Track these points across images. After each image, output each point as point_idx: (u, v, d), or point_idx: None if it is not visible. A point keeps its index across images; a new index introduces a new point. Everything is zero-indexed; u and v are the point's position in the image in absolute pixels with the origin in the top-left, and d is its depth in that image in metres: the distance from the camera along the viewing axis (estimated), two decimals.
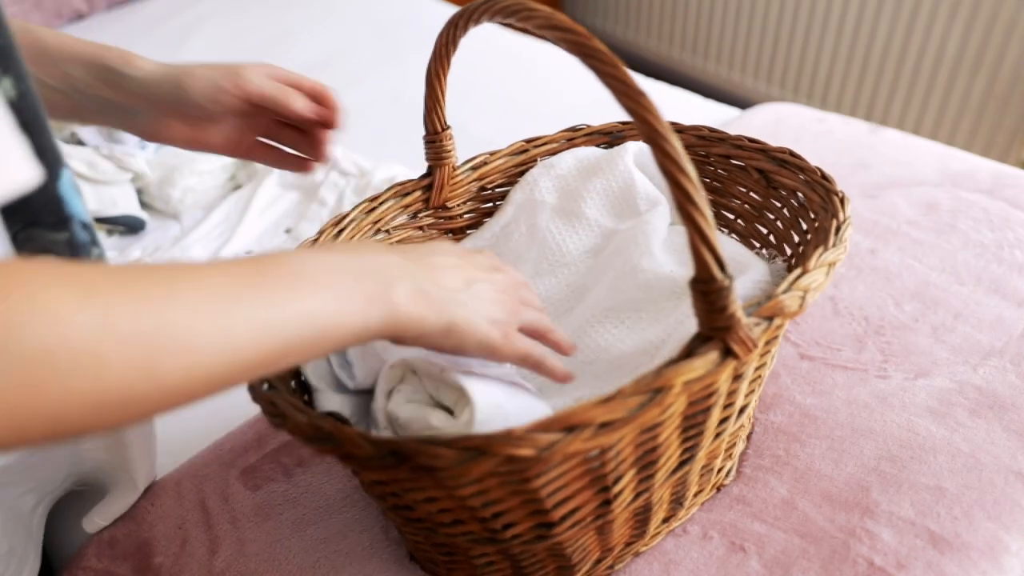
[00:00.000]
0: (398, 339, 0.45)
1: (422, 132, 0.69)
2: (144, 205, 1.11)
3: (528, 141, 0.77)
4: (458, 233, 0.77)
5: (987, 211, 0.94)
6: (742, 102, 2.12)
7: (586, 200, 0.74)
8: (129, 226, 1.06)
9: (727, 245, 0.67)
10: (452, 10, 1.53)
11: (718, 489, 0.66)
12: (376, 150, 1.21)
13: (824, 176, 0.62)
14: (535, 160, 0.77)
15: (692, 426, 0.52)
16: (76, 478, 0.71)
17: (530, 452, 0.40)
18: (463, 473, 0.41)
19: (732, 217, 0.73)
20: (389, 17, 1.65)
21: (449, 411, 0.51)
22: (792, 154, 0.66)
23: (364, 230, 0.68)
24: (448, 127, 0.69)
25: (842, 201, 0.59)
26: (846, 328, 0.81)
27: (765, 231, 0.70)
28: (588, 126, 0.78)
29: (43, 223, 0.51)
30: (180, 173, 1.09)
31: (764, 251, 0.69)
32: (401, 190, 0.71)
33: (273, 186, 1.13)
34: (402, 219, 0.72)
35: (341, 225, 0.67)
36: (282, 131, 0.70)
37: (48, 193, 0.49)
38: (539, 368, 0.52)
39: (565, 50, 0.44)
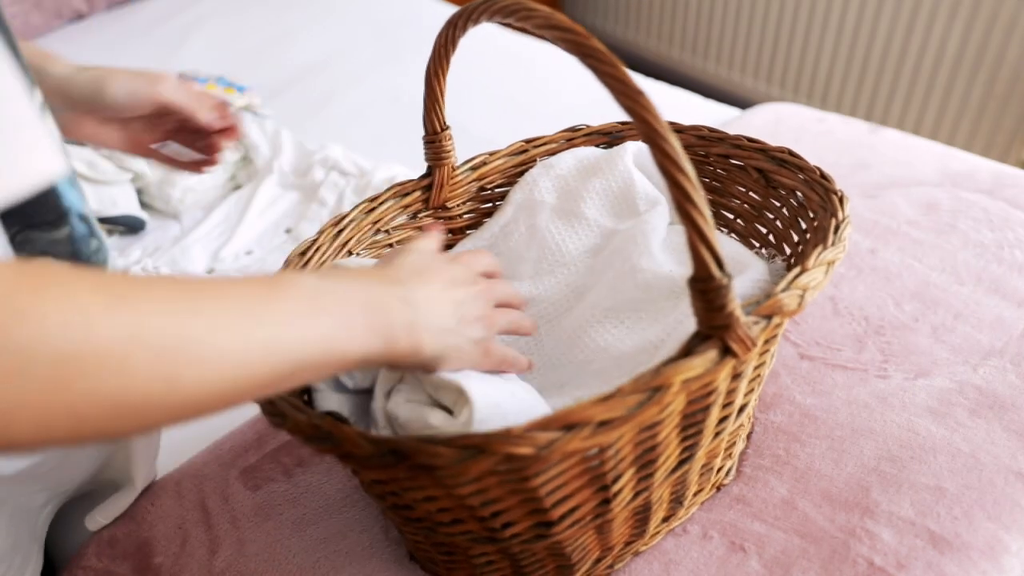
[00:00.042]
0: (394, 366, 0.49)
1: (422, 132, 0.69)
2: (144, 205, 1.11)
3: (527, 141, 0.77)
4: (458, 233, 0.77)
5: (987, 211, 0.94)
6: (742, 102, 2.12)
7: (585, 200, 0.74)
8: (129, 226, 1.06)
9: (726, 244, 0.67)
10: (452, 10, 1.52)
11: (718, 488, 0.66)
12: (376, 150, 1.21)
13: (823, 175, 0.62)
14: (534, 160, 0.77)
15: (691, 425, 0.52)
16: (87, 481, 0.71)
17: (529, 450, 0.40)
18: (462, 472, 0.41)
19: (732, 217, 0.73)
20: (389, 17, 1.65)
21: (448, 411, 0.51)
22: (791, 154, 0.66)
23: (364, 230, 0.68)
24: (447, 127, 0.69)
25: (841, 200, 0.59)
26: (846, 328, 0.81)
27: (764, 231, 0.70)
28: (587, 126, 0.78)
29: (42, 222, 0.52)
30: (180, 173, 1.09)
31: (764, 251, 0.69)
32: (401, 190, 0.71)
33: (273, 186, 1.13)
34: (402, 219, 0.72)
35: (341, 225, 0.67)
36: (180, 135, 0.78)
37: (45, 189, 0.50)
38: (512, 368, 0.57)
39: (564, 49, 0.44)
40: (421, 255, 0.53)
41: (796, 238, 0.65)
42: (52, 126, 0.36)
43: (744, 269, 0.62)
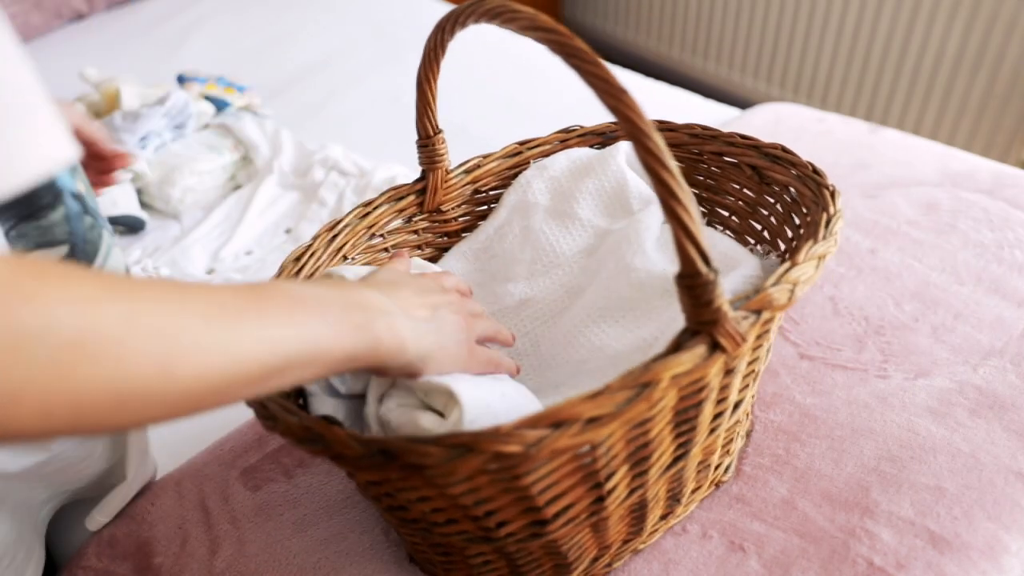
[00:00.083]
0: (381, 370, 0.48)
1: None
2: (144, 205, 1.11)
3: (521, 143, 0.77)
4: (453, 236, 0.77)
5: (987, 211, 0.94)
6: (742, 102, 2.12)
7: (579, 201, 0.74)
8: (129, 226, 1.06)
9: (720, 242, 0.67)
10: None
11: (717, 486, 0.66)
12: (376, 150, 1.21)
13: (815, 171, 0.62)
14: (528, 162, 0.77)
15: (684, 421, 0.52)
16: (90, 485, 0.72)
17: (517, 448, 0.40)
18: (451, 471, 0.41)
19: (726, 214, 0.73)
20: (389, 17, 1.66)
21: (440, 414, 0.51)
22: (784, 150, 0.66)
23: (359, 235, 0.68)
24: (440, 131, 0.69)
25: (832, 195, 0.58)
26: (846, 328, 0.81)
27: (759, 227, 0.70)
28: (581, 127, 0.78)
29: (38, 207, 0.52)
30: (180, 173, 1.09)
31: (759, 247, 0.69)
32: (395, 194, 0.71)
33: (273, 186, 1.13)
34: (397, 223, 0.72)
35: (335, 230, 0.67)
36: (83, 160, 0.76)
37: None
38: (498, 369, 0.57)
39: (549, 49, 0.44)
40: (393, 272, 0.55)
41: (790, 234, 0.65)
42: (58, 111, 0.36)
43: (736, 265, 0.62)
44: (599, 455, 0.47)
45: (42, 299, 0.31)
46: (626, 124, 0.41)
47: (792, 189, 0.65)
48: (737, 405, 0.59)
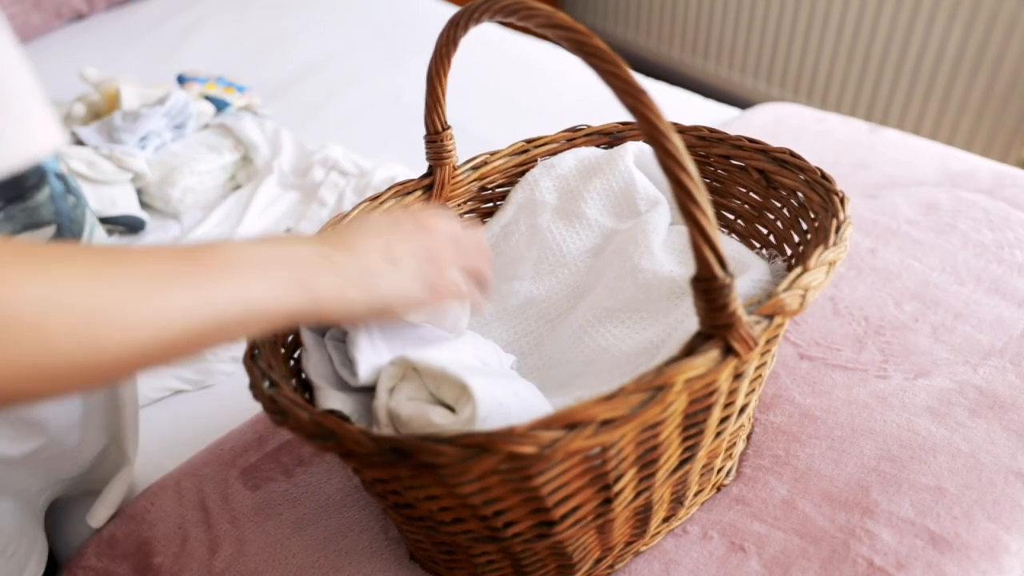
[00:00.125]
0: (327, 321, 0.49)
1: (422, 132, 0.69)
2: (144, 205, 1.11)
3: (528, 141, 0.77)
4: None
5: (987, 211, 0.94)
6: (742, 102, 2.12)
7: (586, 200, 0.74)
8: (129, 226, 1.06)
9: (727, 245, 0.67)
10: (452, 10, 1.52)
11: (718, 489, 0.66)
12: (376, 150, 1.21)
13: (824, 176, 0.62)
14: (535, 160, 0.77)
15: (693, 425, 0.52)
16: (82, 476, 0.72)
17: (532, 449, 0.40)
18: (464, 471, 0.41)
19: (732, 217, 0.73)
20: (389, 17, 1.65)
21: (451, 408, 0.51)
22: (792, 154, 0.66)
23: None
24: (449, 127, 0.69)
25: (842, 201, 0.59)
26: (846, 328, 0.81)
27: (765, 231, 0.70)
28: (588, 126, 0.78)
29: (25, 188, 0.53)
30: (180, 173, 1.09)
31: (764, 251, 0.69)
32: (402, 189, 0.71)
33: (273, 186, 1.13)
34: None
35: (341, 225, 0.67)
36: None
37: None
38: (462, 298, 0.57)
39: (566, 49, 0.44)
40: (368, 222, 0.54)
41: (797, 238, 0.65)
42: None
43: (745, 269, 0.62)
44: (609, 457, 0.47)
45: None
46: (645, 125, 0.41)
47: (799, 194, 0.65)
48: (743, 409, 0.59)
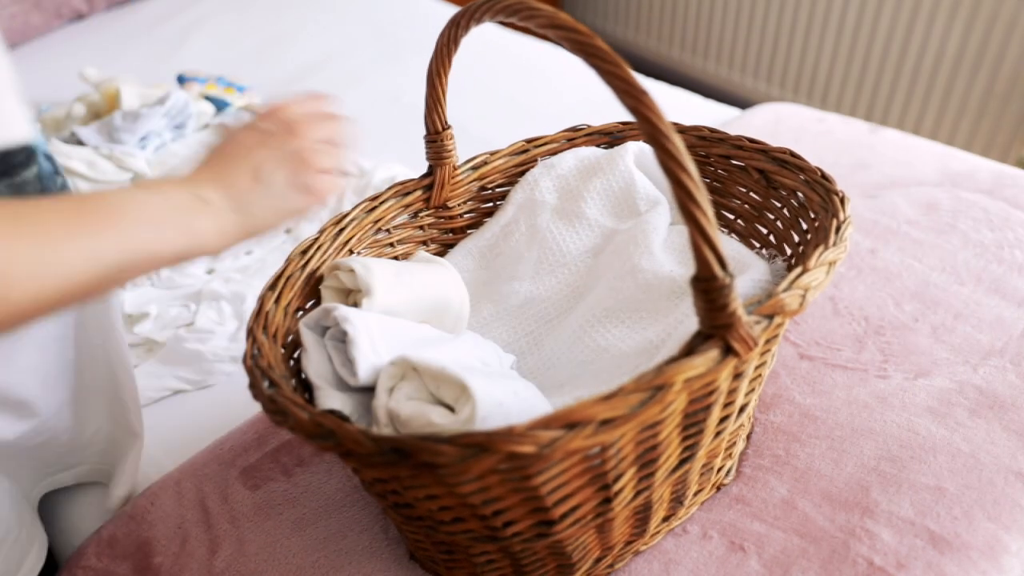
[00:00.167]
0: (211, 254, 0.52)
1: (422, 132, 0.69)
2: None
3: (529, 141, 0.77)
4: (458, 232, 0.77)
5: (987, 211, 0.94)
6: (742, 102, 2.12)
7: (586, 200, 0.74)
8: None
9: (727, 245, 0.67)
10: (452, 10, 1.52)
11: (718, 488, 0.66)
12: (376, 150, 1.21)
13: (824, 176, 0.62)
14: (535, 160, 0.77)
15: (692, 424, 0.52)
16: (88, 467, 0.72)
17: (531, 449, 0.40)
18: (464, 470, 0.41)
19: (732, 217, 0.73)
20: (389, 17, 1.65)
21: (450, 408, 0.51)
22: (792, 154, 0.66)
23: (365, 229, 0.68)
24: (449, 126, 0.69)
25: (842, 201, 0.59)
26: (846, 328, 0.81)
27: (765, 231, 0.70)
28: (588, 126, 0.78)
29: (12, 165, 0.54)
30: (180, 173, 1.08)
31: (764, 251, 0.69)
32: (402, 189, 0.71)
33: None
34: (403, 218, 0.72)
35: (342, 224, 0.67)
36: None
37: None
38: (322, 197, 0.57)
39: (568, 49, 0.44)
40: (227, 138, 0.56)
41: (797, 238, 0.65)
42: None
43: (745, 269, 0.62)
44: (609, 457, 0.47)
45: None
46: (646, 125, 0.41)
47: (799, 194, 0.65)
48: (742, 409, 0.59)
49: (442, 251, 0.77)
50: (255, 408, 0.80)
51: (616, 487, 0.51)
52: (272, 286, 0.60)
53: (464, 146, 0.84)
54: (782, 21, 2.08)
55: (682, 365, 0.44)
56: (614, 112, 0.95)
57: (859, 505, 0.64)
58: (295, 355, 0.60)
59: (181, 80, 1.28)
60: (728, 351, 0.45)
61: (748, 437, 0.70)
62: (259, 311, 0.58)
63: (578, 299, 0.71)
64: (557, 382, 0.64)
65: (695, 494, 0.63)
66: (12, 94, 0.40)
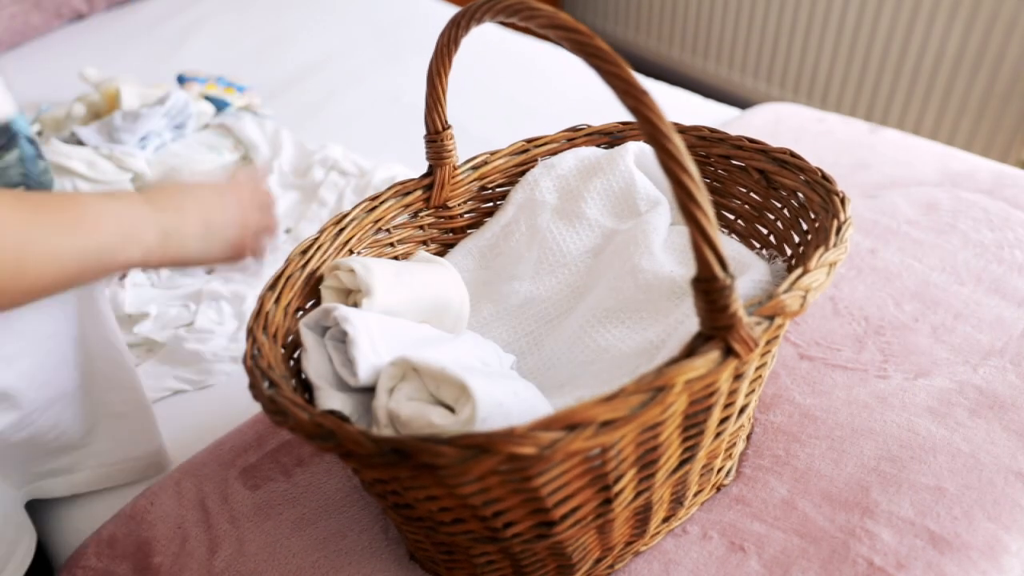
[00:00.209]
0: (153, 267, 0.63)
1: (422, 132, 0.69)
2: None
3: (529, 141, 0.77)
4: (458, 232, 0.77)
5: (987, 211, 0.94)
6: (742, 102, 2.12)
7: (586, 200, 0.74)
8: None
9: (727, 245, 0.67)
10: (452, 10, 1.52)
11: (718, 489, 0.66)
12: (376, 150, 1.21)
13: (824, 176, 0.62)
14: (536, 160, 0.77)
15: (693, 425, 0.52)
16: (74, 476, 0.72)
17: (532, 450, 0.40)
18: (464, 471, 0.41)
19: (732, 217, 0.73)
20: (389, 17, 1.65)
21: (450, 409, 0.51)
22: (792, 154, 0.66)
23: (365, 229, 0.68)
24: (449, 126, 0.69)
25: (843, 201, 0.59)
26: (846, 328, 0.81)
27: (765, 231, 0.70)
28: (589, 126, 0.78)
29: None
30: (180, 173, 1.08)
31: (764, 251, 0.69)
32: (402, 189, 0.71)
33: (273, 186, 1.13)
34: (403, 218, 0.72)
35: (342, 224, 0.67)
36: None
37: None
38: (256, 255, 0.67)
39: (568, 49, 0.44)
40: (190, 184, 0.65)
41: (797, 239, 0.65)
42: None
43: (746, 270, 0.62)
44: (609, 458, 0.47)
45: None
46: (646, 125, 0.41)
47: (800, 194, 0.65)
48: (743, 410, 0.59)
49: (442, 251, 0.77)
50: (255, 408, 0.80)
51: (616, 488, 0.51)
52: (272, 286, 0.60)
53: (464, 146, 0.84)
54: (782, 21, 2.08)
55: (683, 366, 0.44)
56: (614, 112, 0.95)
57: (859, 505, 0.64)
58: (295, 355, 0.60)
59: (181, 80, 1.28)
60: (729, 352, 0.45)
61: (748, 437, 0.70)
62: (259, 311, 0.58)
63: (578, 299, 0.71)
64: (557, 382, 0.64)
65: (695, 495, 0.63)
66: None
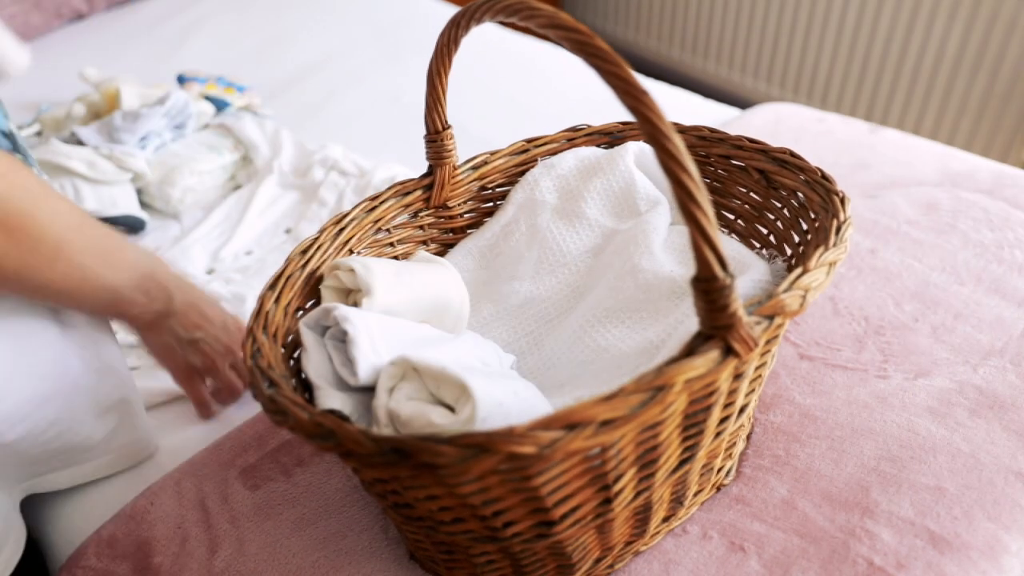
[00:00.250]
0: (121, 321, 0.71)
1: (422, 132, 0.69)
2: (144, 205, 1.11)
3: (529, 141, 0.77)
4: (458, 232, 0.77)
5: (987, 211, 0.94)
6: (742, 102, 2.12)
7: (586, 200, 0.74)
8: (129, 226, 1.06)
9: (727, 245, 0.67)
10: (452, 10, 1.52)
11: (718, 489, 0.66)
12: (376, 150, 1.21)
13: (824, 176, 0.62)
14: (536, 160, 0.77)
15: (693, 425, 0.52)
16: (57, 463, 0.72)
17: (531, 450, 0.40)
18: (464, 471, 0.41)
19: (732, 217, 0.73)
20: (389, 17, 1.66)
21: (451, 408, 0.51)
22: (792, 154, 0.66)
23: (365, 229, 0.68)
24: (449, 126, 0.69)
25: (842, 201, 0.59)
26: (846, 328, 0.81)
27: (765, 231, 0.70)
28: (589, 126, 0.78)
29: None
30: (180, 173, 1.09)
31: (764, 251, 0.69)
32: (402, 189, 0.71)
33: (273, 186, 1.13)
34: (403, 218, 0.72)
35: (342, 224, 0.67)
36: None
37: None
38: (191, 389, 0.80)
39: (568, 49, 0.44)
40: (210, 311, 0.76)
41: (797, 239, 0.65)
42: None
43: (745, 269, 0.62)
44: (609, 457, 0.47)
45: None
46: (646, 125, 0.41)
47: (800, 194, 0.65)
48: (743, 409, 0.59)
49: (442, 251, 0.77)
50: (255, 408, 0.80)
51: (616, 488, 0.51)
52: (272, 286, 0.60)
53: (464, 146, 0.84)
54: (782, 21, 2.08)
55: (682, 366, 0.44)
56: (614, 112, 0.95)
57: (859, 505, 0.64)
58: (295, 355, 0.60)
59: (181, 80, 1.28)
60: (728, 352, 0.45)
61: (748, 437, 0.70)
62: (259, 311, 0.58)
63: (578, 299, 0.71)
64: (557, 382, 0.64)
65: (695, 494, 0.63)
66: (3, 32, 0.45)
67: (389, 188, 0.71)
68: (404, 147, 1.22)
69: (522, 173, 0.77)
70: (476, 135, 1.23)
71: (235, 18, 1.66)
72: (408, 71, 1.46)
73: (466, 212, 0.76)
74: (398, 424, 0.52)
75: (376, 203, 0.69)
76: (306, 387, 0.58)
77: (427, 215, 0.74)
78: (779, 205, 0.68)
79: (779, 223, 0.68)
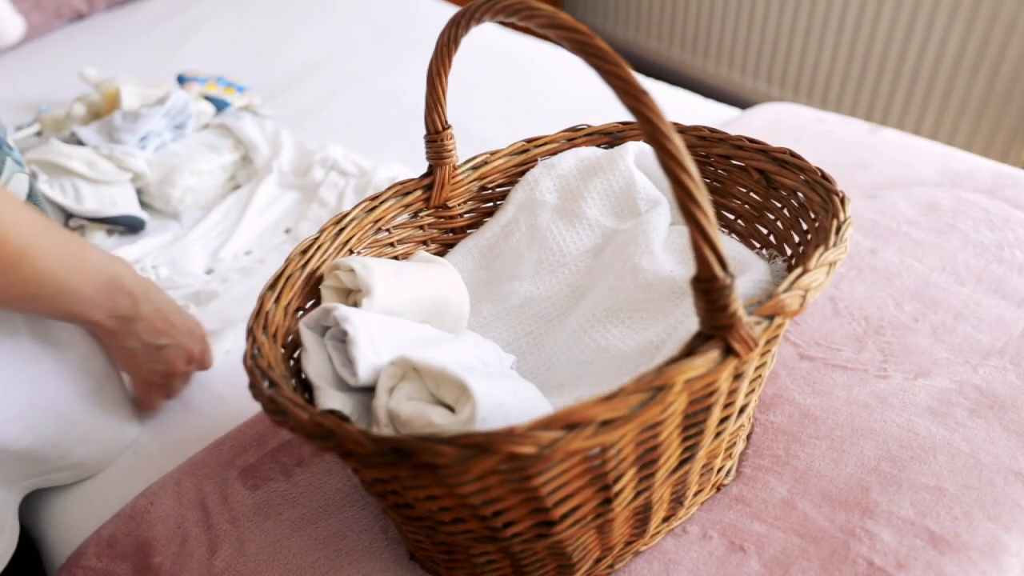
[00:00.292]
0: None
1: (422, 132, 0.69)
2: (144, 205, 1.10)
3: (529, 141, 0.77)
4: (458, 232, 0.77)
5: (987, 211, 0.94)
6: (742, 102, 2.12)
7: (586, 200, 0.74)
8: (129, 226, 1.06)
9: (727, 245, 0.67)
10: (452, 10, 1.52)
11: (718, 489, 0.66)
12: (376, 150, 1.21)
13: (824, 176, 0.62)
14: (536, 160, 0.77)
15: (693, 425, 0.52)
16: (65, 468, 0.72)
17: (531, 450, 0.40)
18: (464, 471, 0.41)
19: (732, 217, 0.73)
20: (389, 17, 1.65)
21: (451, 408, 0.51)
22: (792, 154, 0.66)
23: (365, 229, 0.68)
24: (449, 126, 0.69)
25: (842, 201, 0.59)
26: (846, 328, 0.81)
27: (765, 231, 0.70)
28: (589, 126, 0.78)
29: None
30: (180, 173, 1.09)
31: (764, 251, 0.69)
32: (402, 189, 0.71)
33: (273, 186, 1.13)
34: (403, 218, 0.72)
35: (342, 224, 0.67)
36: None
37: None
38: (148, 396, 0.79)
39: (568, 49, 0.44)
40: (178, 320, 0.75)
41: (797, 239, 0.65)
42: None
43: (745, 269, 0.62)
44: (609, 457, 0.47)
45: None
46: (646, 125, 0.41)
47: (800, 194, 0.65)
48: (743, 409, 0.59)
49: (442, 251, 0.77)
50: (255, 408, 0.80)
51: (616, 488, 0.51)
52: (272, 286, 0.60)
53: (464, 146, 0.84)
54: (782, 21, 2.08)
55: (682, 366, 0.44)
56: (614, 112, 0.96)
57: (859, 505, 0.64)
58: (295, 355, 0.60)
59: (181, 80, 1.28)
60: (728, 352, 0.45)
61: (748, 437, 0.70)
62: (259, 311, 0.58)
63: (578, 299, 0.71)
64: (557, 382, 0.64)
65: (695, 494, 0.63)
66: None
67: (389, 188, 0.71)
68: (404, 147, 1.22)
69: (522, 173, 0.77)
70: (476, 135, 1.23)
71: (235, 18, 1.66)
72: (408, 71, 1.45)
73: (466, 212, 0.76)
74: (398, 424, 0.52)
75: (376, 203, 0.69)
76: (306, 387, 0.58)
77: (427, 215, 0.74)
78: (779, 205, 0.68)
79: (779, 223, 0.68)
